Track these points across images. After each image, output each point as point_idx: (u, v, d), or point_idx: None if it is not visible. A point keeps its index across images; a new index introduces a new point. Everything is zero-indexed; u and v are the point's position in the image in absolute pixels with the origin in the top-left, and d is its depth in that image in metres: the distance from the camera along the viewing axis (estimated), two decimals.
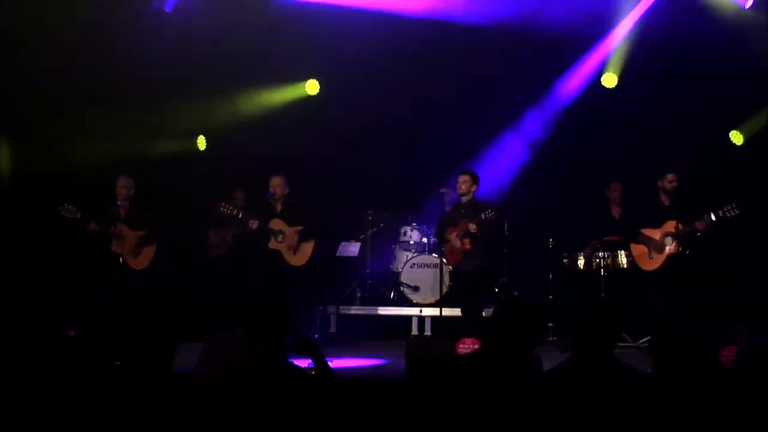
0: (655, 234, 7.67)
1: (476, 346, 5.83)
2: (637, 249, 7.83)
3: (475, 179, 7.86)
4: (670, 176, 7.65)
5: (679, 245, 7.49)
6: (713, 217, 7.27)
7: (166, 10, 8.73)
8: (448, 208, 8.28)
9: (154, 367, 3.53)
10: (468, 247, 7.67)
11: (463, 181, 7.77)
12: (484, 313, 7.74)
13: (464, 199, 7.82)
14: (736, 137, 8.56)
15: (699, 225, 7.36)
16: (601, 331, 3.60)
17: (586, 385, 3.48)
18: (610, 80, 9.07)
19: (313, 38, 8.94)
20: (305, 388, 3.73)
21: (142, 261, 7.87)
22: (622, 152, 9.08)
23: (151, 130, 9.14)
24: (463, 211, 7.78)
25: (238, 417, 3.64)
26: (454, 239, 7.75)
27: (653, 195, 7.82)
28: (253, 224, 7.96)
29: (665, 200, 7.74)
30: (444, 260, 8.32)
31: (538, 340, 3.92)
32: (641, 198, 8.19)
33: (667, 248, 7.57)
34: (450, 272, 8.41)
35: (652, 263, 7.71)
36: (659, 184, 7.72)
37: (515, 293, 9.03)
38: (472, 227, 7.56)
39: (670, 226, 7.55)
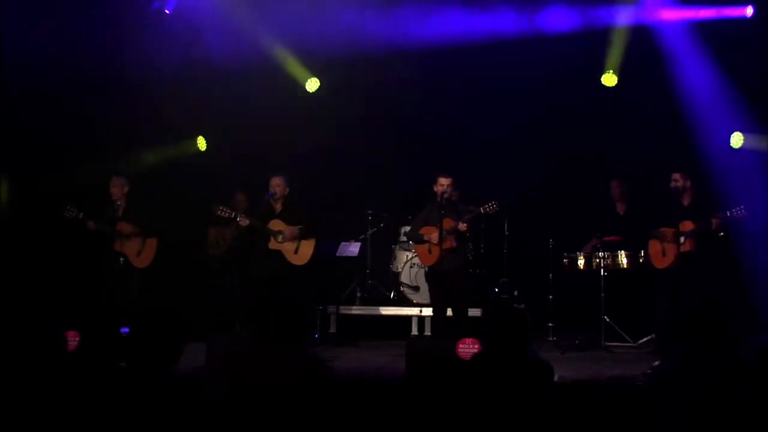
0: (670, 232, 7.68)
1: (476, 346, 5.82)
2: (653, 246, 7.83)
3: (457, 181, 7.71)
4: (675, 175, 7.69)
5: (693, 244, 7.51)
6: (723, 218, 7.31)
7: (167, 11, 8.74)
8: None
9: (160, 367, 3.51)
10: (454, 245, 7.57)
11: (447, 183, 7.63)
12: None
13: (444, 199, 7.56)
14: (737, 140, 8.54)
15: (709, 224, 7.39)
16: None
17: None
18: (609, 80, 9.08)
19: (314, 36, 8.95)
20: (321, 384, 3.72)
21: (143, 259, 7.88)
22: (622, 149, 9.08)
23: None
24: (443, 211, 7.63)
25: (255, 416, 3.63)
26: (434, 239, 7.62)
27: (669, 194, 7.81)
28: (243, 221, 7.93)
29: (685, 200, 7.74)
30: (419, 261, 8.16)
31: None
32: (658, 196, 8.13)
33: (681, 247, 7.58)
34: (426, 272, 7.96)
35: (664, 261, 7.72)
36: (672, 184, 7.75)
37: (515, 293, 9.03)
38: (462, 226, 7.46)
39: (686, 225, 7.57)
